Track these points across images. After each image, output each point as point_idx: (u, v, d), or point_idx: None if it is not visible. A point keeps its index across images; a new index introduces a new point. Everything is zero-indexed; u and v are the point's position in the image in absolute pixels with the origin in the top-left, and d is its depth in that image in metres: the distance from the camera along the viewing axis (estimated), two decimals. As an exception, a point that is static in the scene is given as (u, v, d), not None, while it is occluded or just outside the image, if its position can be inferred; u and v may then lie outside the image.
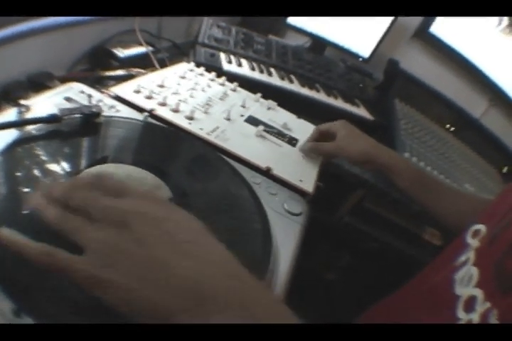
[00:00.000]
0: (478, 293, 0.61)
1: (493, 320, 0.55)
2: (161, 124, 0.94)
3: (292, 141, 1.10)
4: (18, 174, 0.63)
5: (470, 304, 0.61)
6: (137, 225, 0.45)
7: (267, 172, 0.92)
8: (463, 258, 0.71)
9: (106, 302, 0.42)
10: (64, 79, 1.03)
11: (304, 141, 1.12)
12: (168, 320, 0.41)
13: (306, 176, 0.97)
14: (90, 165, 0.70)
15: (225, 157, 0.90)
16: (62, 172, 0.67)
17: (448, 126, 1.92)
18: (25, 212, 0.53)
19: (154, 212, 0.48)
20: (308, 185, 0.95)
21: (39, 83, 1.01)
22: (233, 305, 0.43)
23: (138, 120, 0.90)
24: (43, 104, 0.82)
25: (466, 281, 0.65)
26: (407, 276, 0.86)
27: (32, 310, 0.45)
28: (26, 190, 0.61)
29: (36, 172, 0.65)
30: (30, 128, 0.73)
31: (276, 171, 0.93)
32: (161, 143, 0.90)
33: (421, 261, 1.41)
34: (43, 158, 0.68)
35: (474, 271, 0.65)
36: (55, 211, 0.47)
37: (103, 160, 0.73)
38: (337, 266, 1.67)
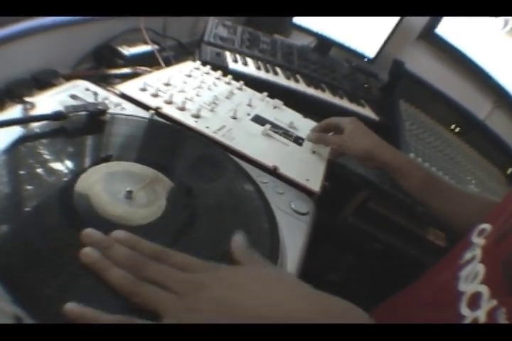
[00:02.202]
0: (484, 289, 0.60)
1: (502, 319, 0.55)
2: (167, 122, 0.93)
3: (298, 140, 1.10)
4: (23, 172, 0.63)
5: (475, 300, 0.60)
6: (215, 288, 0.50)
7: (273, 172, 0.92)
8: (468, 255, 0.71)
9: None
10: (69, 77, 1.03)
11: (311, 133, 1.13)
12: None
13: (312, 175, 0.97)
14: (95, 163, 0.70)
15: (231, 156, 0.90)
16: (66, 170, 0.66)
17: (453, 127, 1.92)
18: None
19: (226, 275, 0.53)
20: (315, 184, 0.94)
21: (44, 81, 1.00)
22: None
23: (144, 118, 0.90)
24: (48, 102, 0.81)
25: (472, 278, 0.65)
26: (411, 277, 0.85)
27: (33, 310, 0.45)
28: (30, 187, 0.60)
29: (40, 170, 0.64)
30: (35, 125, 0.72)
31: (283, 170, 0.93)
32: (167, 141, 0.89)
33: (425, 263, 1.40)
34: (48, 155, 0.68)
35: (481, 268, 0.65)
36: (124, 275, 0.50)
37: (107, 159, 0.72)
38: (341, 267, 1.67)
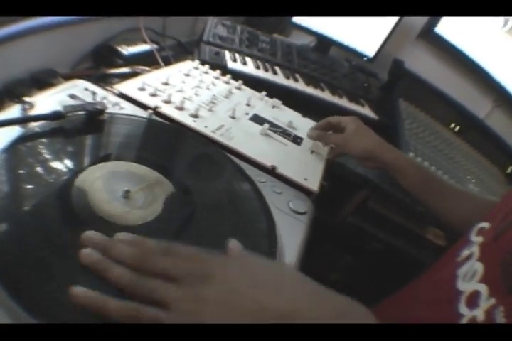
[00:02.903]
0: (483, 288, 0.60)
1: (500, 317, 0.55)
2: (166, 122, 0.93)
3: (297, 140, 1.10)
4: (22, 171, 0.63)
5: (473, 299, 0.60)
6: (220, 277, 0.49)
7: (272, 171, 0.92)
8: (466, 253, 0.71)
9: None
10: (68, 77, 1.03)
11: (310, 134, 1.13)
12: None
13: (311, 175, 0.97)
14: (93, 162, 0.70)
15: (229, 155, 0.90)
16: (65, 169, 0.66)
17: (452, 125, 1.91)
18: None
19: (232, 264, 0.53)
20: (314, 183, 0.94)
21: (43, 80, 1.00)
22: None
23: (142, 117, 0.90)
24: (47, 101, 0.81)
25: (470, 276, 0.65)
26: (410, 276, 0.85)
27: (34, 310, 0.45)
28: (29, 186, 0.61)
29: (39, 169, 0.64)
30: (34, 125, 0.73)
31: (281, 170, 0.93)
32: (165, 140, 0.90)
33: (425, 262, 1.41)
34: (47, 155, 0.68)
35: (479, 267, 0.65)
36: (126, 272, 0.49)
37: (106, 158, 0.73)
38: (340, 266, 1.67)
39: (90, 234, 0.53)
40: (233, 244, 0.58)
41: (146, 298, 0.47)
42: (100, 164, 0.70)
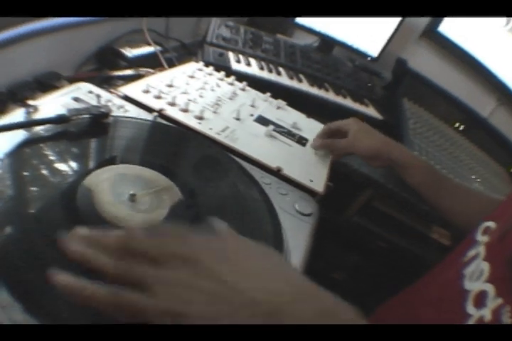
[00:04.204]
0: (490, 288, 0.61)
1: (506, 317, 0.55)
2: (171, 124, 0.93)
3: (302, 141, 1.10)
4: (27, 175, 0.63)
5: (480, 299, 0.61)
6: (205, 261, 0.47)
7: (277, 173, 0.92)
8: (472, 252, 0.71)
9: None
10: (72, 79, 1.04)
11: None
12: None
13: (316, 176, 0.97)
14: (99, 165, 0.70)
15: (234, 157, 0.90)
16: (71, 172, 0.67)
17: (457, 125, 1.91)
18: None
19: (219, 247, 0.51)
20: (319, 184, 0.94)
21: (46, 83, 1.01)
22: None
23: (147, 120, 0.90)
24: (51, 105, 0.81)
25: (477, 276, 0.65)
26: (415, 276, 0.85)
27: (38, 311, 0.45)
28: (35, 189, 0.61)
29: (45, 173, 0.64)
30: (38, 128, 0.73)
31: (287, 171, 0.93)
32: (171, 143, 0.90)
33: (429, 261, 1.41)
34: (51, 159, 0.68)
35: (485, 266, 0.65)
36: (110, 259, 0.47)
37: (111, 160, 0.73)
38: (345, 266, 1.67)
39: (77, 231, 0.51)
40: (219, 224, 0.56)
41: (129, 283, 0.45)
42: (108, 167, 0.71)
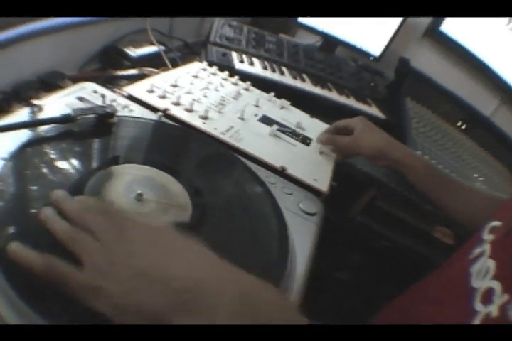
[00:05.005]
0: (496, 285, 0.61)
1: None
2: (176, 124, 0.93)
3: (306, 141, 1.10)
4: (31, 175, 0.63)
5: (487, 296, 0.61)
6: (136, 240, 0.50)
7: (281, 172, 0.92)
8: (478, 250, 0.71)
9: (100, 312, 0.44)
10: (75, 79, 1.03)
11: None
12: (167, 321, 0.44)
13: (320, 175, 0.97)
14: (103, 164, 0.70)
15: (239, 157, 0.90)
16: (75, 173, 0.67)
17: (459, 124, 1.91)
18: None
19: (148, 231, 0.52)
20: (323, 184, 0.94)
21: (50, 83, 1.01)
22: (234, 299, 0.46)
23: (152, 120, 0.90)
24: (56, 104, 0.81)
25: (483, 274, 0.65)
26: (419, 275, 0.85)
27: (43, 310, 0.45)
28: (40, 188, 0.61)
29: (49, 173, 0.64)
30: (43, 128, 0.72)
31: (291, 171, 0.93)
32: (176, 143, 0.90)
33: (433, 260, 1.41)
34: (56, 158, 0.68)
35: (491, 264, 0.65)
36: (64, 225, 0.51)
37: (115, 160, 0.72)
38: (349, 265, 1.67)
39: (56, 192, 0.55)
40: None
41: (69, 251, 0.48)
42: (142, 165, 0.72)
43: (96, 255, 0.47)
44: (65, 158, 0.69)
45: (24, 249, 0.47)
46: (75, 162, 0.69)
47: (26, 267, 0.46)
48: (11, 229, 0.52)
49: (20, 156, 0.65)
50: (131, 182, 0.67)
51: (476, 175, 1.56)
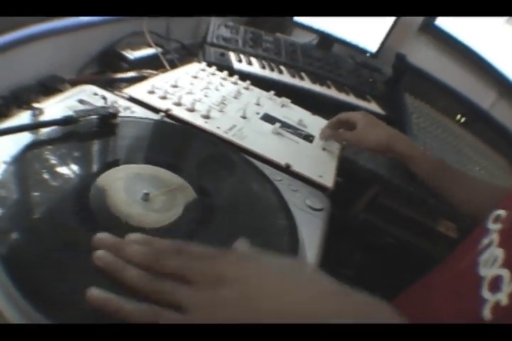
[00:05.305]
0: (505, 272, 0.60)
1: None
2: (179, 124, 0.93)
3: (309, 138, 1.10)
4: (34, 177, 0.63)
5: (496, 284, 0.60)
6: (232, 276, 0.48)
7: (286, 169, 0.92)
8: (486, 241, 0.71)
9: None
10: (74, 82, 1.03)
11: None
12: None
13: (325, 171, 0.97)
14: (104, 166, 0.70)
15: (245, 155, 0.90)
16: (79, 174, 0.66)
17: (458, 117, 1.92)
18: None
19: (245, 259, 0.52)
20: (329, 180, 0.94)
21: (50, 87, 1.00)
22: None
23: (154, 120, 0.90)
24: (56, 107, 0.81)
25: (491, 262, 0.65)
26: (424, 271, 0.85)
27: (47, 311, 0.44)
28: (44, 190, 0.60)
29: (52, 175, 0.64)
30: (45, 131, 0.72)
31: (296, 167, 0.93)
32: (180, 142, 0.90)
33: (437, 255, 1.41)
34: (59, 161, 0.67)
35: (499, 252, 0.65)
36: (140, 273, 0.48)
37: (115, 163, 0.72)
38: (353, 262, 1.67)
39: (101, 236, 0.51)
40: (241, 244, 0.56)
41: (161, 300, 0.46)
42: (122, 166, 0.71)
43: (203, 300, 0.46)
44: (67, 160, 0.69)
45: (112, 296, 0.45)
46: (78, 164, 0.69)
47: (121, 315, 0.44)
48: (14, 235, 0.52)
49: (22, 160, 0.64)
50: (127, 185, 0.67)
51: (476, 168, 1.56)
